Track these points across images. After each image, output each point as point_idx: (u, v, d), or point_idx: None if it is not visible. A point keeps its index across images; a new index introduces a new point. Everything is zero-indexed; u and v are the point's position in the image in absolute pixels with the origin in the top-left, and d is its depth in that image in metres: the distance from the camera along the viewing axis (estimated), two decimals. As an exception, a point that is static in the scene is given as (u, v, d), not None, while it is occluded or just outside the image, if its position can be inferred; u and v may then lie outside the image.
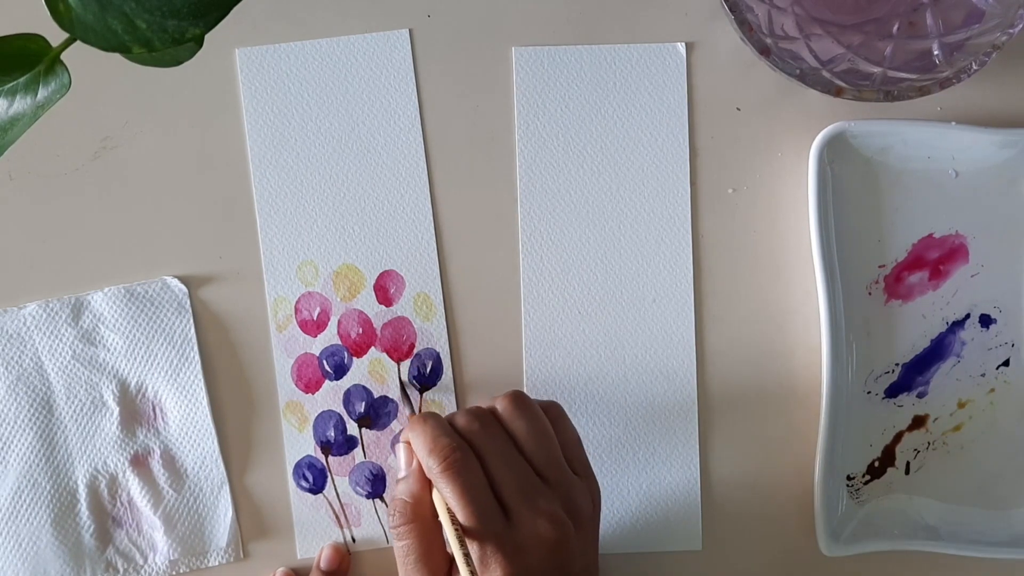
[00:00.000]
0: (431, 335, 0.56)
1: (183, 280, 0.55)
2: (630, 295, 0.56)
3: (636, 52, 0.56)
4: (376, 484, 0.56)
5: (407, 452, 0.48)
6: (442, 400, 0.56)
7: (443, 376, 0.56)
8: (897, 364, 0.55)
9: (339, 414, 0.56)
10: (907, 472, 0.55)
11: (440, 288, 0.56)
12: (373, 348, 0.56)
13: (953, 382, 0.55)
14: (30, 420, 0.55)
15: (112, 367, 0.55)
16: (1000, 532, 0.54)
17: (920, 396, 0.55)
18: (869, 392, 0.55)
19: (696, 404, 0.55)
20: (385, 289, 0.56)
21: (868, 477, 0.55)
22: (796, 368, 0.55)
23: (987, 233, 0.55)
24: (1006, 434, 0.55)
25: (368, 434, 0.56)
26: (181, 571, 0.55)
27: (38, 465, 0.55)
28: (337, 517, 0.56)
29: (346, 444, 0.56)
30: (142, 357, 0.55)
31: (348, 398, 0.56)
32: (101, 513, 0.55)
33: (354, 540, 0.56)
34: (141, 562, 0.55)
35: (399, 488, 0.47)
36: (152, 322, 0.55)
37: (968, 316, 0.55)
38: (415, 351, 0.56)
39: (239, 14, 0.53)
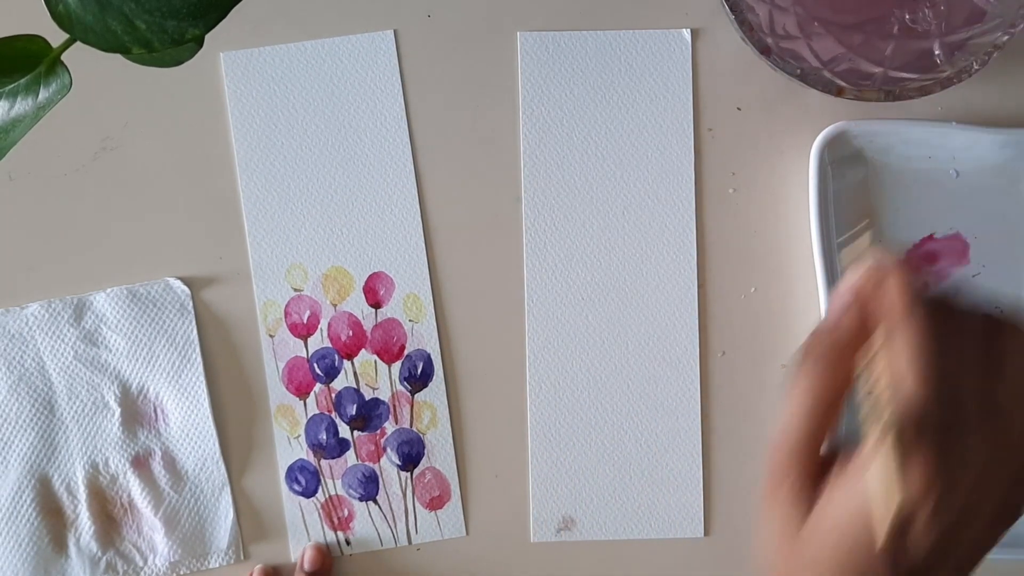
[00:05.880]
0: (422, 336, 0.56)
1: (184, 281, 0.55)
2: (634, 283, 0.56)
3: (641, 38, 0.56)
4: (369, 486, 0.56)
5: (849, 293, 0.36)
6: (433, 401, 0.56)
7: (435, 377, 0.56)
8: (898, 364, 0.55)
9: (331, 417, 0.56)
10: (908, 472, 0.55)
11: (430, 288, 0.56)
12: (364, 350, 0.56)
13: (954, 382, 0.55)
14: (31, 420, 0.55)
15: (114, 368, 0.55)
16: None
17: (921, 396, 0.55)
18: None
19: (699, 396, 0.56)
20: (375, 291, 0.56)
21: (869, 477, 0.55)
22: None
23: (988, 233, 0.55)
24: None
25: (360, 436, 0.56)
26: (182, 573, 0.55)
27: (39, 465, 0.55)
28: (330, 520, 0.56)
29: (338, 447, 0.56)
30: (144, 358, 0.55)
31: (339, 401, 0.56)
32: (101, 514, 0.55)
33: (348, 543, 0.56)
34: (141, 564, 0.55)
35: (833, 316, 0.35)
36: (154, 323, 0.55)
37: (969, 316, 0.55)
38: (406, 352, 0.56)
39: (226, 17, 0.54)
